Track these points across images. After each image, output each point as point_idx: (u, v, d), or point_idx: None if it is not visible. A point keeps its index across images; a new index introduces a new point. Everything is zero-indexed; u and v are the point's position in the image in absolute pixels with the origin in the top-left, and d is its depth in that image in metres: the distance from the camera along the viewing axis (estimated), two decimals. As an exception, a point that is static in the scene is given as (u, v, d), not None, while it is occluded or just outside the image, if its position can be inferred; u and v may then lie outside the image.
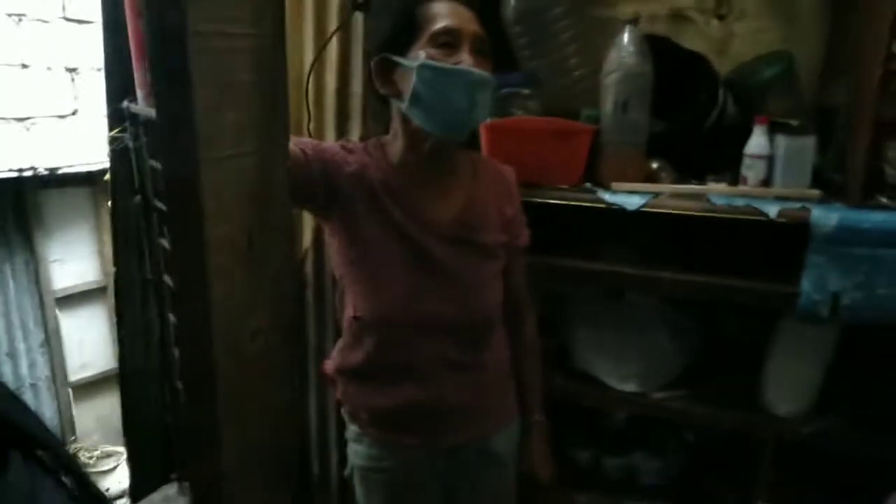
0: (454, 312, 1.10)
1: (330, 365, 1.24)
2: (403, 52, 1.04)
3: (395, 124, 1.11)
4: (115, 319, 3.03)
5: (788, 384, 1.36)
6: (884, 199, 1.19)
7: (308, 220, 1.70)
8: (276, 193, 0.74)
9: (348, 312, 1.14)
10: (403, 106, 1.04)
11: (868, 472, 1.25)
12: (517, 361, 1.27)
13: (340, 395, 1.24)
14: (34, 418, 0.49)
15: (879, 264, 1.15)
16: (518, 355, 1.27)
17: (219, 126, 0.63)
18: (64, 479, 0.50)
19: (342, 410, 1.25)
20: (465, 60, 1.00)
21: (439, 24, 1.01)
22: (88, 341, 3.55)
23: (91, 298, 3.57)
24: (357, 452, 1.23)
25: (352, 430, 1.23)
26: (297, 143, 1.05)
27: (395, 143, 1.11)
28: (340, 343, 1.21)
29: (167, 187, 0.64)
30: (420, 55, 1.01)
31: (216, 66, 0.61)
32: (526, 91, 1.40)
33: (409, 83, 1.01)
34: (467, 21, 1.03)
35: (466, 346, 1.14)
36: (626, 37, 1.30)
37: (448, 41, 1.01)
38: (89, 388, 3.61)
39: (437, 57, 1.00)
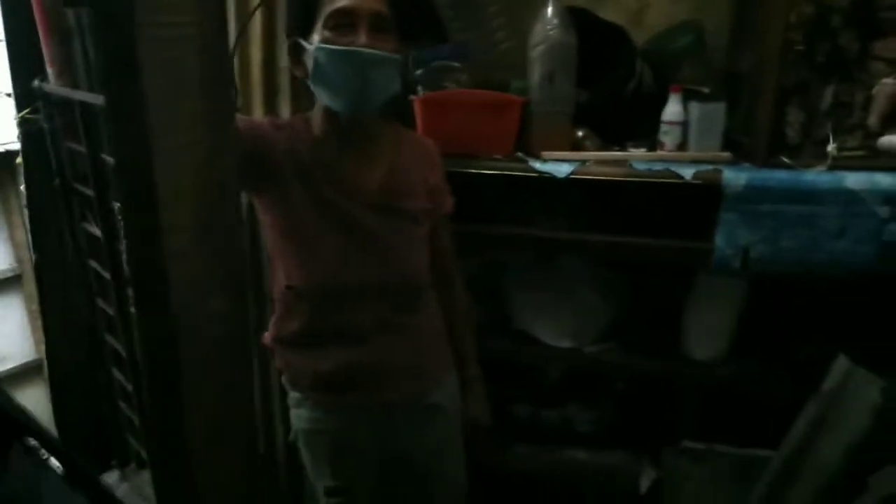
0: (382, 276, 1.15)
1: (268, 336, 1.27)
2: (307, 34, 1.07)
3: (316, 101, 1.14)
4: (33, 308, 2.86)
5: (705, 332, 1.49)
6: (786, 160, 1.31)
7: (243, 196, 1.68)
8: (226, 178, 0.74)
9: (280, 283, 1.18)
10: (311, 86, 1.09)
11: (781, 409, 1.38)
12: (449, 321, 1.32)
13: (280, 364, 1.27)
14: (19, 407, 0.50)
15: (783, 219, 1.27)
16: (449, 315, 1.32)
17: (170, 115, 0.63)
18: (54, 462, 0.51)
19: (282, 379, 1.29)
20: (359, 40, 1.03)
21: (334, 6, 1.04)
22: (4, 332, 3.35)
23: (4, 287, 3.36)
24: (299, 416, 1.26)
25: (293, 396, 1.27)
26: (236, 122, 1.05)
27: (316, 117, 1.15)
28: (275, 314, 1.24)
29: (118, 176, 0.64)
30: (316, 38, 1.05)
31: (164, 54, 0.61)
32: (456, 64, 1.43)
33: (310, 64, 1.06)
34: (365, 0, 1.05)
35: (397, 307, 1.19)
36: (549, 10, 1.35)
37: (343, 22, 1.04)
38: (9, 381, 3.42)
39: (332, 38, 1.03)
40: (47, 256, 1.59)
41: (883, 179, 1.23)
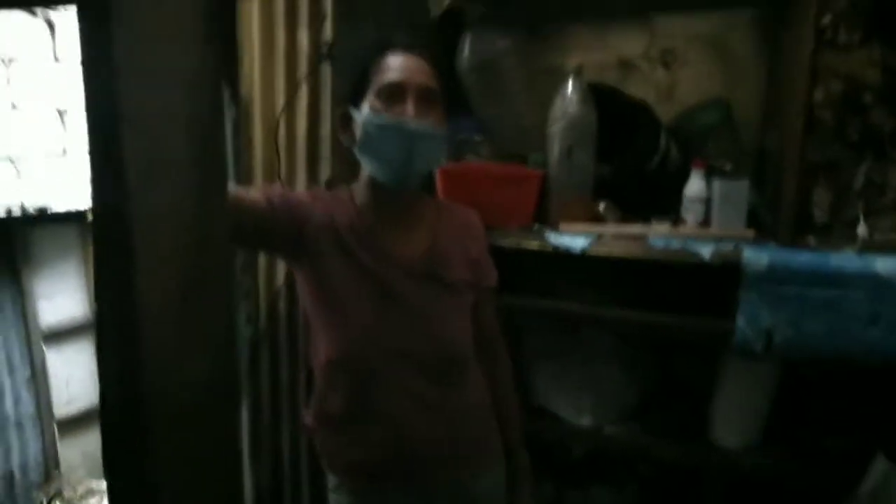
0: (422, 346, 1.12)
1: (308, 415, 1.25)
2: (358, 103, 1.12)
3: (360, 172, 1.17)
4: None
5: (734, 417, 1.41)
6: (812, 241, 1.25)
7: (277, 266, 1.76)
8: (214, 247, 0.79)
9: (320, 358, 1.16)
10: (357, 155, 1.12)
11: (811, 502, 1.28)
12: (494, 401, 1.26)
13: (319, 446, 1.24)
14: None
15: (807, 303, 1.21)
16: (493, 394, 1.27)
17: (152, 196, 0.69)
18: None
19: (322, 461, 1.25)
20: (407, 112, 1.06)
21: (386, 78, 1.08)
22: (75, 377, 3.58)
23: (78, 335, 3.60)
24: (337, 502, 1.22)
25: (331, 479, 1.23)
26: (265, 193, 1.12)
27: (360, 186, 1.17)
28: (315, 391, 1.22)
29: (94, 240, 0.69)
30: (365, 108, 1.09)
31: (148, 138, 0.67)
32: (478, 137, 1.47)
33: (358, 133, 1.10)
34: (414, 73, 1.09)
35: (436, 382, 1.14)
36: (570, 87, 1.38)
37: (393, 93, 1.07)
38: (75, 423, 3.62)
39: (381, 109, 1.07)
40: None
41: (919, 265, 1.16)
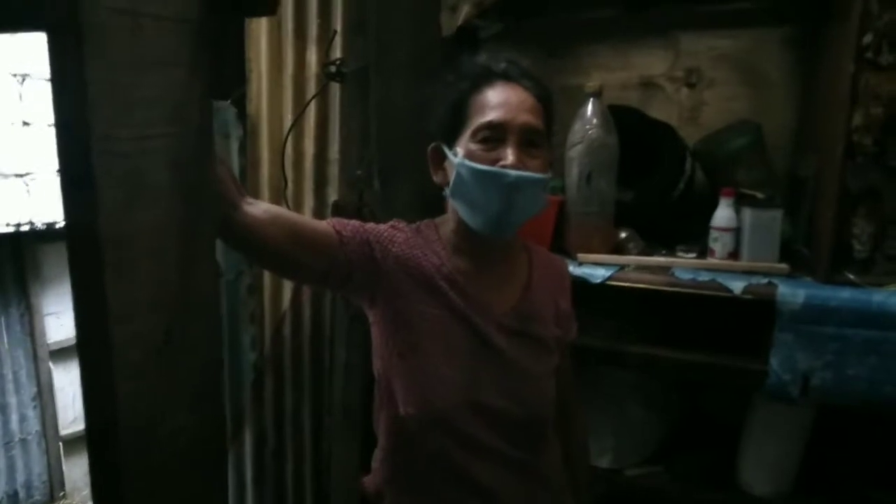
0: (511, 406, 1.00)
1: (371, 480, 1.12)
2: (453, 140, 0.99)
3: (449, 208, 1.05)
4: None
5: (765, 463, 1.31)
6: (851, 276, 1.16)
7: (289, 282, 1.70)
8: (199, 291, 0.73)
9: (392, 411, 1.02)
10: (449, 196, 1.01)
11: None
12: (568, 464, 1.16)
13: None
14: None
15: (848, 344, 1.12)
16: (569, 457, 1.16)
17: (127, 226, 0.62)
18: None
19: None
20: (506, 157, 0.93)
21: (484, 118, 0.95)
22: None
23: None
24: None
25: None
26: (335, 225, 1.00)
27: (448, 227, 1.05)
28: (381, 451, 1.09)
29: (73, 288, 0.63)
30: (460, 151, 0.96)
31: (124, 167, 0.61)
32: (493, 161, 1.40)
33: (452, 176, 0.98)
34: (518, 111, 0.95)
35: (523, 445, 1.03)
36: (589, 109, 1.31)
37: (491, 136, 0.94)
38: (80, 442, 3.58)
39: (478, 153, 0.94)
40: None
41: (971, 304, 1.06)
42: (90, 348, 0.64)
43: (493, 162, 0.93)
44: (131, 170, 0.62)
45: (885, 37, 1.16)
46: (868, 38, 1.15)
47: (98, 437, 0.66)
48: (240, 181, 1.71)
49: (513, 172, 0.92)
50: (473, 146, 0.95)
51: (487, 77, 0.98)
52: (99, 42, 0.58)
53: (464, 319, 1.00)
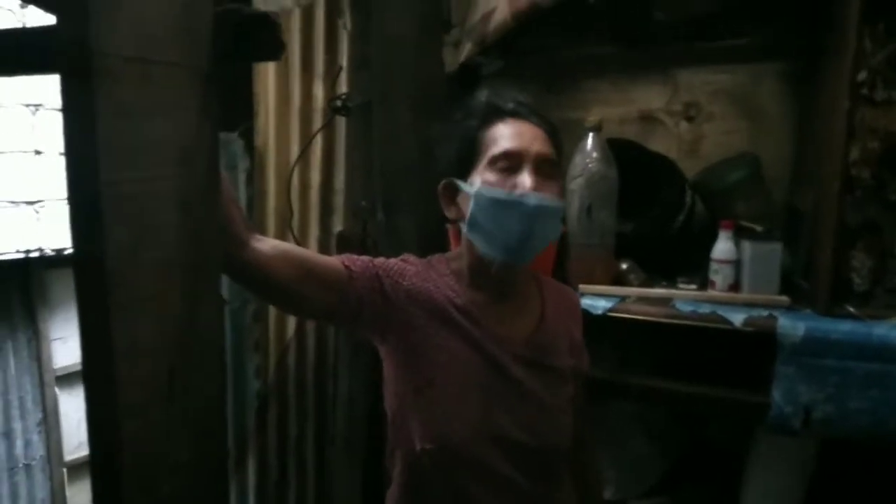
0: (529, 438, 1.00)
1: None
2: (466, 175, 1.00)
3: (462, 243, 1.06)
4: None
5: (769, 496, 1.31)
6: (851, 309, 1.17)
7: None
8: (204, 330, 0.74)
9: (407, 447, 1.01)
10: (464, 230, 1.01)
11: None
12: (584, 498, 1.15)
13: None
14: None
15: (849, 377, 1.12)
16: (585, 491, 1.15)
17: (134, 267, 0.64)
18: None
19: None
20: (524, 184, 0.94)
21: (499, 148, 0.96)
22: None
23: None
24: None
25: None
26: (344, 260, 1.01)
27: (462, 261, 1.05)
28: (397, 488, 1.06)
29: (80, 326, 0.64)
30: (477, 181, 0.97)
31: (131, 208, 0.63)
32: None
33: (468, 207, 0.98)
34: (531, 141, 0.97)
35: (539, 478, 1.02)
36: (589, 143, 1.33)
37: (508, 165, 0.96)
38: (85, 468, 3.58)
39: (495, 182, 0.95)
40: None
41: (972, 338, 1.06)
42: (95, 385, 0.65)
43: (511, 189, 0.95)
44: (139, 211, 0.64)
45: (878, 73, 1.18)
46: (863, 75, 1.17)
47: (101, 472, 0.67)
48: (247, 211, 1.75)
49: (533, 198, 0.93)
50: (490, 176, 0.96)
51: (498, 113, 1.00)
52: (109, 88, 0.60)
53: (480, 351, 1.00)
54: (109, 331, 0.62)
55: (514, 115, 1.00)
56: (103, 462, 0.66)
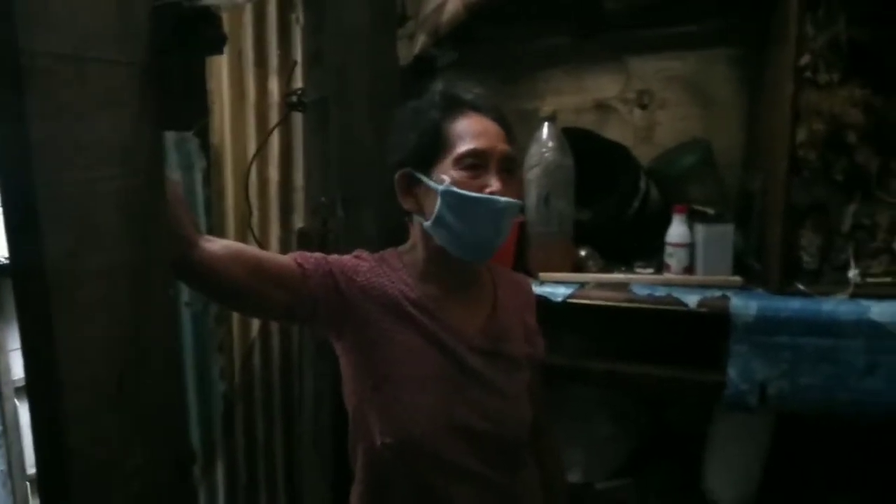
0: (488, 426, 1.01)
1: None
2: (428, 168, 0.99)
3: (416, 236, 1.06)
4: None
5: (728, 472, 1.34)
6: (801, 287, 1.20)
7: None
8: (153, 333, 0.73)
9: (368, 442, 1.02)
10: (426, 224, 1.00)
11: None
12: (544, 482, 1.16)
13: None
14: None
15: (801, 353, 1.15)
16: (545, 475, 1.16)
17: (75, 270, 0.62)
18: None
19: None
20: (492, 185, 0.95)
21: (468, 146, 0.96)
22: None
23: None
24: None
25: None
26: (296, 258, 1.00)
27: (416, 254, 1.06)
28: (359, 485, 1.07)
29: (21, 332, 0.63)
30: (444, 178, 0.96)
31: (71, 210, 0.62)
32: (453, 185, 1.42)
33: (432, 203, 0.97)
34: (496, 140, 0.98)
35: (502, 465, 1.04)
36: (544, 132, 1.34)
37: (475, 163, 0.96)
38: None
39: (463, 180, 0.96)
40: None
41: (915, 311, 1.10)
42: (40, 394, 0.63)
43: (480, 189, 0.96)
44: (79, 213, 0.63)
45: (821, 57, 1.22)
46: (806, 59, 1.20)
47: (49, 481, 0.65)
48: (205, 211, 1.72)
49: (502, 199, 0.95)
50: (458, 174, 0.96)
51: (459, 106, 1.01)
52: (41, 87, 0.58)
53: (436, 343, 1.01)
54: (52, 338, 0.61)
55: (474, 107, 1.01)
56: (51, 471, 0.65)
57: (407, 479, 1.00)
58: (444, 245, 0.99)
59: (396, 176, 1.03)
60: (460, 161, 0.96)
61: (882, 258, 1.20)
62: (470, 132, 0.98)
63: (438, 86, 1.05)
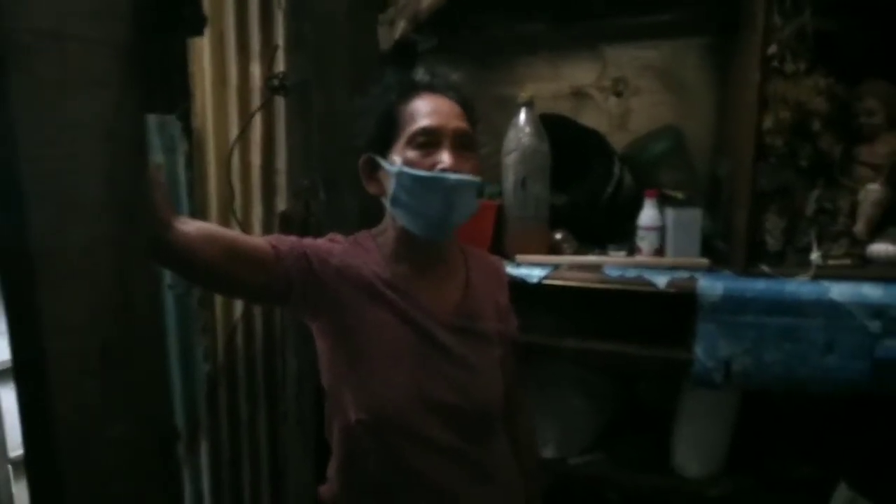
0: (461, 400, 1.03)
1: (328, 489, 1.13)
2: (385, 151, 1.02)
3: (386, 218, 1.09)
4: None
5: (696, 446, 1.39)
6: (766, 268, 1.25)
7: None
8: (139, 305, 0.75)
9: (344, 420, 1.04)
10: (387, 206, 1.04)
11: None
12: (517, 455, 1.18)
13: None
14: None
15: (764, 331, 1.20)
16: (518, 448, 1.18)
17: (59, 244, 0.65)
18: None
19: None
20: (443, 161, 0.97)
21: (418, 124, 0.98)
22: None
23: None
24: None
25: None
26: (271, 241, 1.02)
27: (387, 236, 1.08)
28: (335, 461, 1.10)
29: (5, 305, 0.65)
30: (397, 159, 0.99)
31: (53, 185, 0.64)
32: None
33: (390, 184, 1.01)
34: (449, 117, 0.99)
35: (475, 440, 1.06)
36: (522, 118, 1.37)
37: (427, 141, 0.98)
38: (30, 464, 3.49)
39: (415, 159, 0.98)
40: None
41: (872, 291, 1.15)
42: (25, 366, 0.66)
43: (431, 167, 0.97)
44: (62, 188, 0.65)
45: (788, 47, 1.26)
46: (773, 49, 1.24)
47: (35, 456, 0.68)
48: (188, 194, 1.73)
49: (452, 176, 0.97)
50: (410, 153, 0.98)
51: (414, 88, 1.03)
52: (23, 63, 0.60)
53: (408, 321, 1.03)
54: (37, 309, 0.63)
55: (429, 88, 1.03)
56: (37, 440, 0.67)
57: (380, 454, 1.02)
58: (404, 224, 1.02)
59: (360, 162, 1.06)
60: (412, 140, 0.99)
61: (842, 241, 1.25)
62: (421, 111, 1.00)
63: (396, 70, 1.08)
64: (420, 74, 1.05)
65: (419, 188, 0.98)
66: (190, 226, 0.94)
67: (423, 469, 1.02)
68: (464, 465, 1.05)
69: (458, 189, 0.98)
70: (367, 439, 1.02)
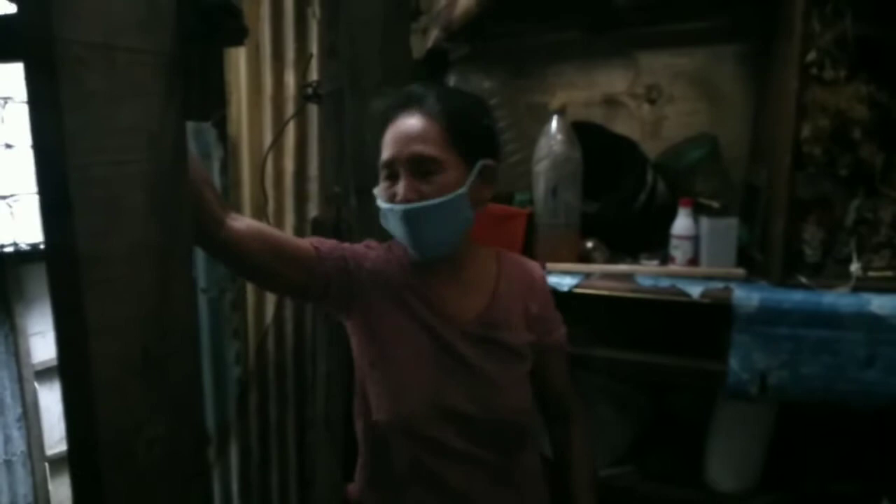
0: (478, 411, 1.04)
1: (354, 487, 1.17)
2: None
3: None
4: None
5: (730, 460, 1.36)
6: (803, 279, 1.22)
7: (271, 297, 1.74)
8: (177, 309, 0.77)
9: (368, 418, 1.08)
10: None
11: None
12: (563, 473, 1.17)
13: None
14: None
15: (801, 344, 1.17)
16: (564, 465, 1.17)
17: (105, 248, 0.67)
18: None
19: None
20: (398, 192, 0.99)
21: (383, 157, 1.02)
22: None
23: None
24: None
25: None
26: (314, 242, 1.07)
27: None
28: (360, 458, 1.14)
29: (53, 307, 0.67)
30: (378, 189, 1.05)
31: (100, 192, 0.66)
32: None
33: None
34: (405, 143, 0.99)
35: (494, 449, 1.06)
36: (553, 125, 1.36)
37: (389, 172, 1.02)
38: (66, 462, 3.57)
39: (383, 190, 1.03)
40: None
41: (914, 304, 1.12)
42: (70, 365, 0.68)
43: (392, 198, 1.01)
44: (108, 195, 0.67)
45: (827, 54, 1.23)
46: (812, 56, 1.22)
47: (78, 452, 0.70)
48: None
49: (399, 207, 0.98)
50: (382, 184, 1.04)
51: (393, 112, 1.04)
52: (74, 75, 0.62)
53: (427, 329, 1.06)
54: (83, 311, 0.65)
55: (405, 106, 1.02)
56: (80, 437, 0.69)
57: (400, 455, 1.05)
58: None
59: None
60: (381, 173, 1.04)
61: (884, 253, 1.22)
62: (387, 141, 1.02)
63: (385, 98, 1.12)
64: (416, 88, 1.05)
65: (386, 219, 1.03)
66: (241, 222, 0.99)
67: (439, 472, 1.04)
68: (482, 472, 1.06)
69: (412, 217, 0.99)
70: (387, 439, 1.06)
